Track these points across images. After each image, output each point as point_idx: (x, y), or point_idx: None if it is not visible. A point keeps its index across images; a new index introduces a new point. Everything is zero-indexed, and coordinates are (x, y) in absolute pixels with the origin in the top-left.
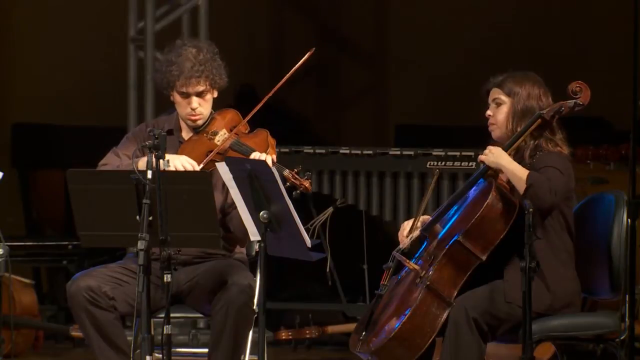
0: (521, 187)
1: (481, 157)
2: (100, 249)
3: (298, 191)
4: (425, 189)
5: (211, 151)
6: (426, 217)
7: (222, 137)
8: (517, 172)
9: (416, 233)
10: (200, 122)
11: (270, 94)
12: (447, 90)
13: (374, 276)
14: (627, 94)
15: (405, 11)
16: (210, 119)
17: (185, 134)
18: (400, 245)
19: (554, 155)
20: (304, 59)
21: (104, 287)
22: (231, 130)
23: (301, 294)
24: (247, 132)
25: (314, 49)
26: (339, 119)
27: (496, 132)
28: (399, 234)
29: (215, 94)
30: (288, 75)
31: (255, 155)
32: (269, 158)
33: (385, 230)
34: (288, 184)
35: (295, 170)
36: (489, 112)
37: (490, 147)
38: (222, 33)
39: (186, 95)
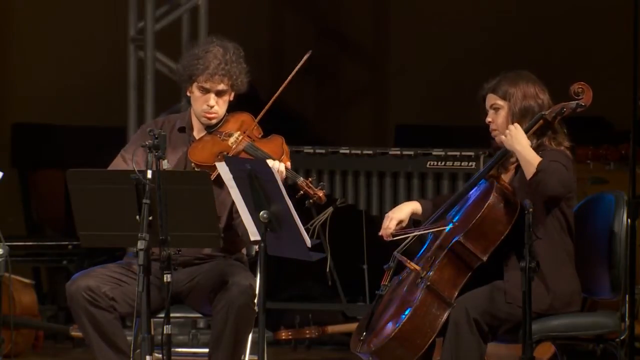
0: (530, 172)
1: (502, 137)
2: (100, 249)
3: (311, 200)
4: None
5: (222, 152)
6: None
7: (236, 139)
8: (529, 158)
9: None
10: (214, 122)
11: (274, 97)
12: (447, 91)
13: (374, 276)
14: (627, 94)
15: (405, 11)
16: (224, 120)
17: (197, 133)
18: (381, 232)
19: (559, 153)
20: (303, 60)
21: (104, 287)
22: (245, 133)
23: (301, 294)
24: (260, 136)
25: (310, 51)
26: (339, 119)
27: (499, 138)
28: (385, 226)
29: (232, 97)
30: (289, 77)
31: (270, 163)
32: (282, 165)
33: None
34: (302, 192)
35: (310, 179)
36: (488, 119)
37: (511, 127)
38: (222, 33)
39: (206, 91)
